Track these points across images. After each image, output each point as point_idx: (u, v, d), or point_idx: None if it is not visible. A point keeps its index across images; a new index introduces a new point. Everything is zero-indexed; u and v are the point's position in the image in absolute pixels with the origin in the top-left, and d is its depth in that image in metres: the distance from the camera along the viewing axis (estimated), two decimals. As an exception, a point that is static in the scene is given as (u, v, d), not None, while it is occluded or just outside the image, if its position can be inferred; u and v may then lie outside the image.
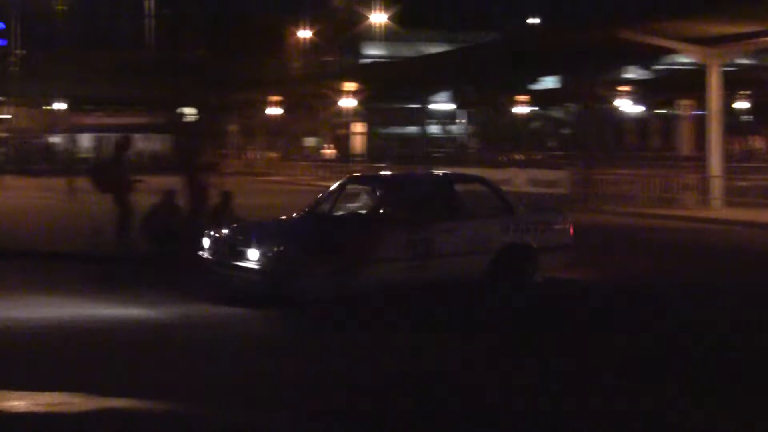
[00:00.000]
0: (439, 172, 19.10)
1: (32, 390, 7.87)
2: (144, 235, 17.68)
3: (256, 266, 12.75)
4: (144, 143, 64.30)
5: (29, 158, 69.42)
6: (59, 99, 76.99)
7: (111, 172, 18.24)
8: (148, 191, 18.03)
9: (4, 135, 79.70)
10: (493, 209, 14.99)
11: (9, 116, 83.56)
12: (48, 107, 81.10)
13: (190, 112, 40.01)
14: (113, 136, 32.48)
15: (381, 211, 14.04)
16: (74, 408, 6.69)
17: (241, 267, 12.93)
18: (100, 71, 71.78)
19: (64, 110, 79.10)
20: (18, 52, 73.55)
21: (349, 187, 15.57)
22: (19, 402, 7.29)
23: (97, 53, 77.81)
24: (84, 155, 60.41)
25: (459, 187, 15.59)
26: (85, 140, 74.25)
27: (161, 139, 71.71)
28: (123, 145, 18.91)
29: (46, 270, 16.64)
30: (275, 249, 12.84)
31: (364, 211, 14.39)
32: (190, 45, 77.12)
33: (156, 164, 53.92)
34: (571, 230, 15.34)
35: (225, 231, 13.94)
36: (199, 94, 65.00)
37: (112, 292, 14.06)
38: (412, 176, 19.32)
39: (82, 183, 24.25)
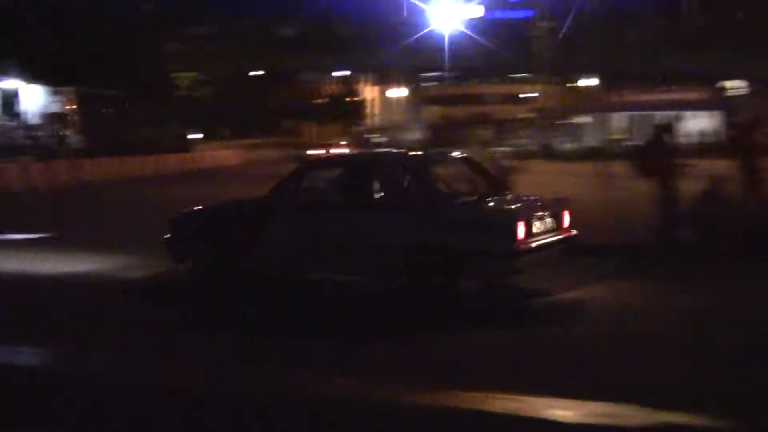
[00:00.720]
0: (362, 153, 20.04)
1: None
2: (685, 225, 16.48)
3: (166, 240, 14.35)
4: (690, 122, 60.24)
5: (553, 140, 67.96)
6: (589, 75, 75.50)
7: (654, 156, 16.79)
8: (697, 177, 16.21)
9: (531, 115, 78.82)
10: (408, 200, 13.02)
11: (535, 94, 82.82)
12: (575, 84, 79.93)
13: (735, 85, 36.02)
14: (650, 115, 29.60)
15: (280, 196, 13.66)
16: (629, 421, 6.33)
17: (165, 238, 14.37)
18: (631, 45, 69.49)
19: (594, 87, 77.52)
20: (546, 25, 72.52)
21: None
22: (565, 412, 7.22)
23: (628, 27, 75.62)
24: (617, 137, 57.56)
25: (391, 173, 13.90)
26: (617, 120, 70.88)
27: (709, 117, 66.88)
28: (665, 128, 17.56)
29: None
30: (173, 228, 14.33)
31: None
32: (729, 10, 72.31)
33: (705, 146, 49.34)
34: (517, 235, 11.97)
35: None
36: (747, 64, 60.45)
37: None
38: (325, 158, 19.06)
39: (615, 168, 22.92)
